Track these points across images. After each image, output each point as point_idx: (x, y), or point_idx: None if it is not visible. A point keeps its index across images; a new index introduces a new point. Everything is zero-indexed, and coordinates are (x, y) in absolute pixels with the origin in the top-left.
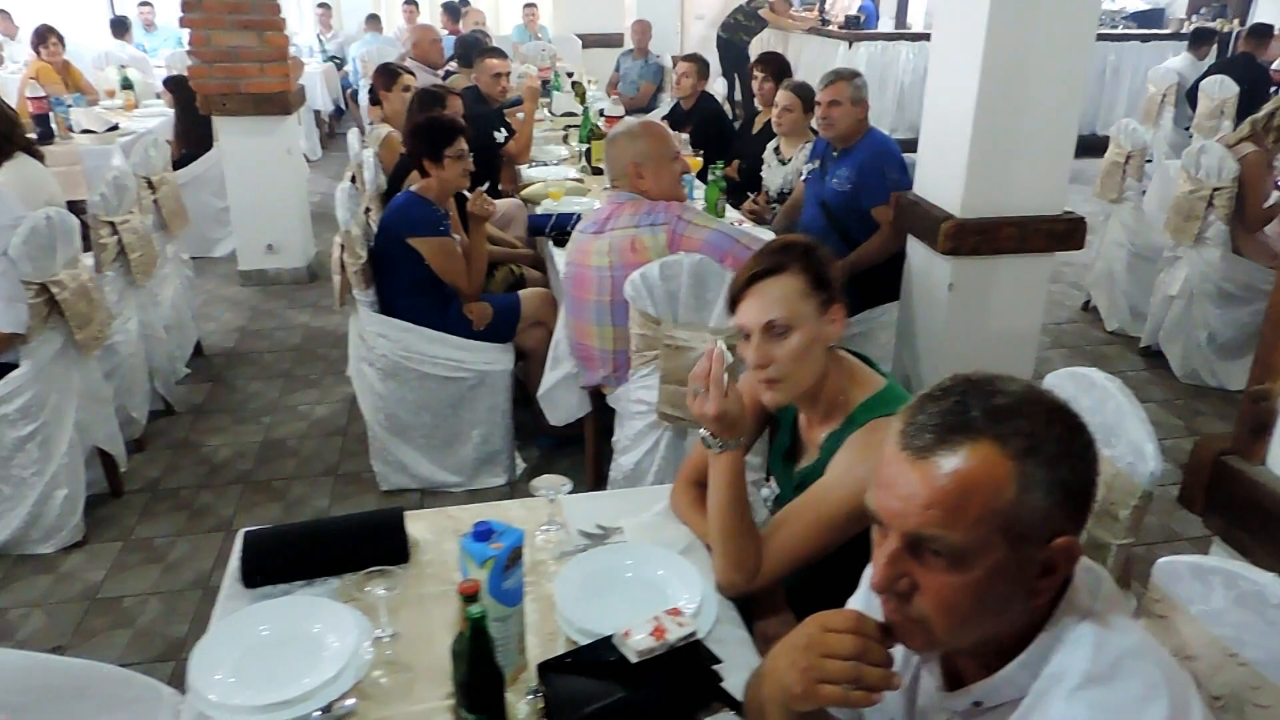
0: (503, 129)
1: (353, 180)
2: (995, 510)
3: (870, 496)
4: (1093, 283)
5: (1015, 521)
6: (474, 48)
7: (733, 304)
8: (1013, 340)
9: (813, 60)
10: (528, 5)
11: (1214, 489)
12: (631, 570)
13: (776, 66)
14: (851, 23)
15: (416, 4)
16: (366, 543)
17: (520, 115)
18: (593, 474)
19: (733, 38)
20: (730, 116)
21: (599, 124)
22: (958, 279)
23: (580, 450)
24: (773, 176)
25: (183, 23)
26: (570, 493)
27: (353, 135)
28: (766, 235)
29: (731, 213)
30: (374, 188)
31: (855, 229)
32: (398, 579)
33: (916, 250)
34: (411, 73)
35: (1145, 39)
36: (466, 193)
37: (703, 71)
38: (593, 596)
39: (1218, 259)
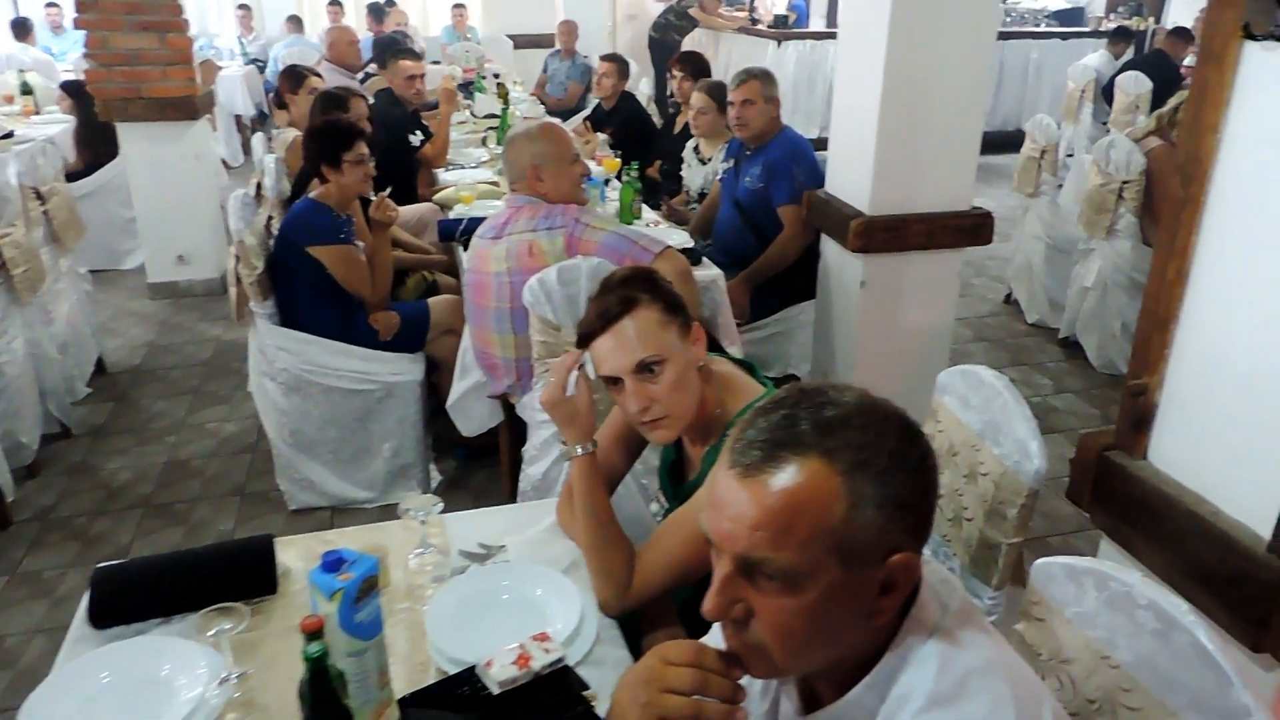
0: (418, 132)
1: (259, 188)
2: (825, 529)
3: (703, 518)
4: (1013, 276)
5: (847, 540)
6: (390, 49)
7: (582, 342)
8: (927, 335)
9: (742, 60)
10: (456, 6)
11: (1099, 485)
12: (509, 592)
13: (695, 66)
14: (780, 22)
15: (340, 4)
16: (230, 574)
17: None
18: (509, 485)
19: (664, 37)
20: (664, 116)
21: (549, 120)
22: (870, 276)
23: (498, 460)
24: (693, 176)
25: (78, 24)
26: (479, 507)
27: (257, 140)
28: (673, 235)
29: (648, 213)
30: (276, 194)
31: (769, 228)
32: (262, 612)
33: (830, 248)
34: (319, 75)
35: (1065, 37)
36: (373, 196)
37: (623, 72)
38: (467, 622)
39: (1129, 250)
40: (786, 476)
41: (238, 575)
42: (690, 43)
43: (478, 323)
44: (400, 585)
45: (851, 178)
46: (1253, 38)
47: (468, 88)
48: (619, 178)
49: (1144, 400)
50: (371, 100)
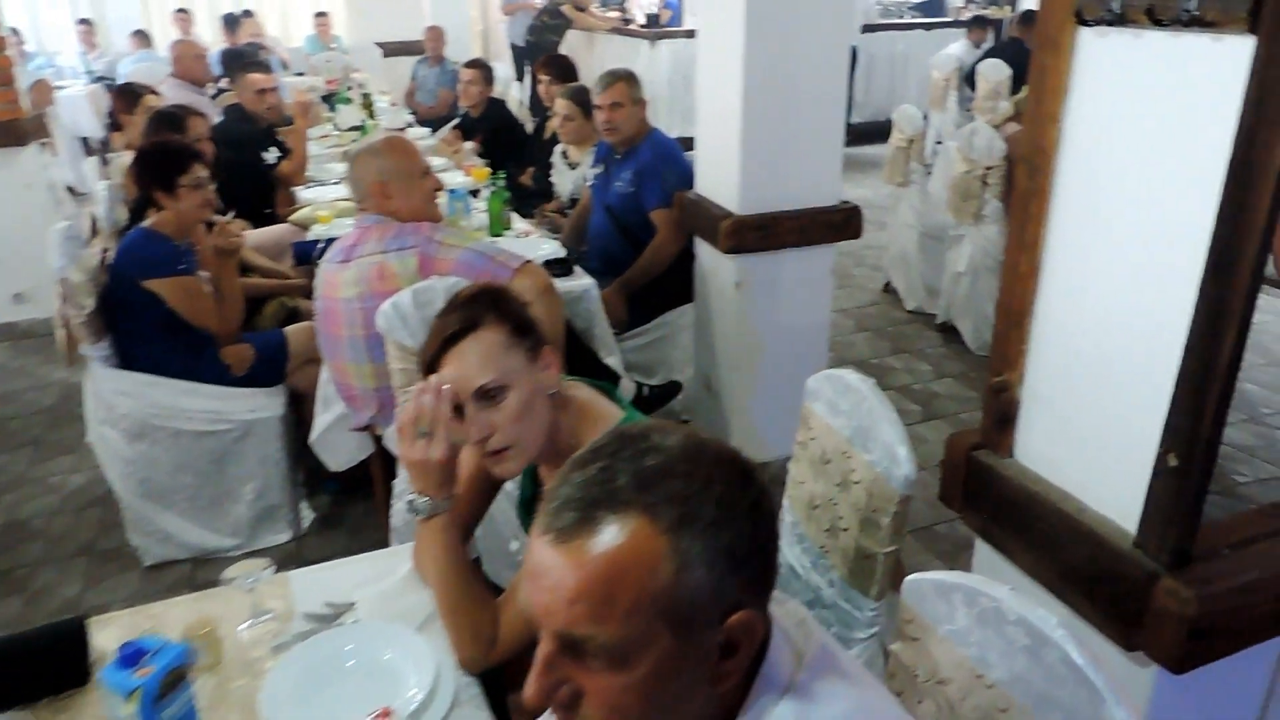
0: (274, 149)
1: (94, 218)
2: (651, 595)
3: (522, 590)
4: (890, 264)
5: (677, 605)
6: (237, 62)
7: (427, 373)
8: (805, 332)
9: (617, 60)
10: (318, 15)
11: (968, 486)
12: (355, 657)
13: (560, 69)
14: (653, 21)
15: (189, 14)
16: (32, 666)
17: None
18: (386, 519)
19: (541, 40)
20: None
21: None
22: (744, 276)
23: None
24: (563, 182)
25: None
26: (354, 543)
27: (89, 166)
28: (545, 245)
29: (520, 223)
30: (110, 224)
31: (643, 233)
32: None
33: (704, 250)
34: (155, 92)
35: (929, 27)
36: (220, 218)
37: (487, 78)
38: (308, 696)
39: (996, 235)
40: (605, 539)
41: (41, 667)
42: (565, 44)
43: (332, 353)
44: (235, 660)
45: (720, 178)
46: (1085, 23)
47: (330, 99)
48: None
49: (1006, 397)
50: (220, 117)
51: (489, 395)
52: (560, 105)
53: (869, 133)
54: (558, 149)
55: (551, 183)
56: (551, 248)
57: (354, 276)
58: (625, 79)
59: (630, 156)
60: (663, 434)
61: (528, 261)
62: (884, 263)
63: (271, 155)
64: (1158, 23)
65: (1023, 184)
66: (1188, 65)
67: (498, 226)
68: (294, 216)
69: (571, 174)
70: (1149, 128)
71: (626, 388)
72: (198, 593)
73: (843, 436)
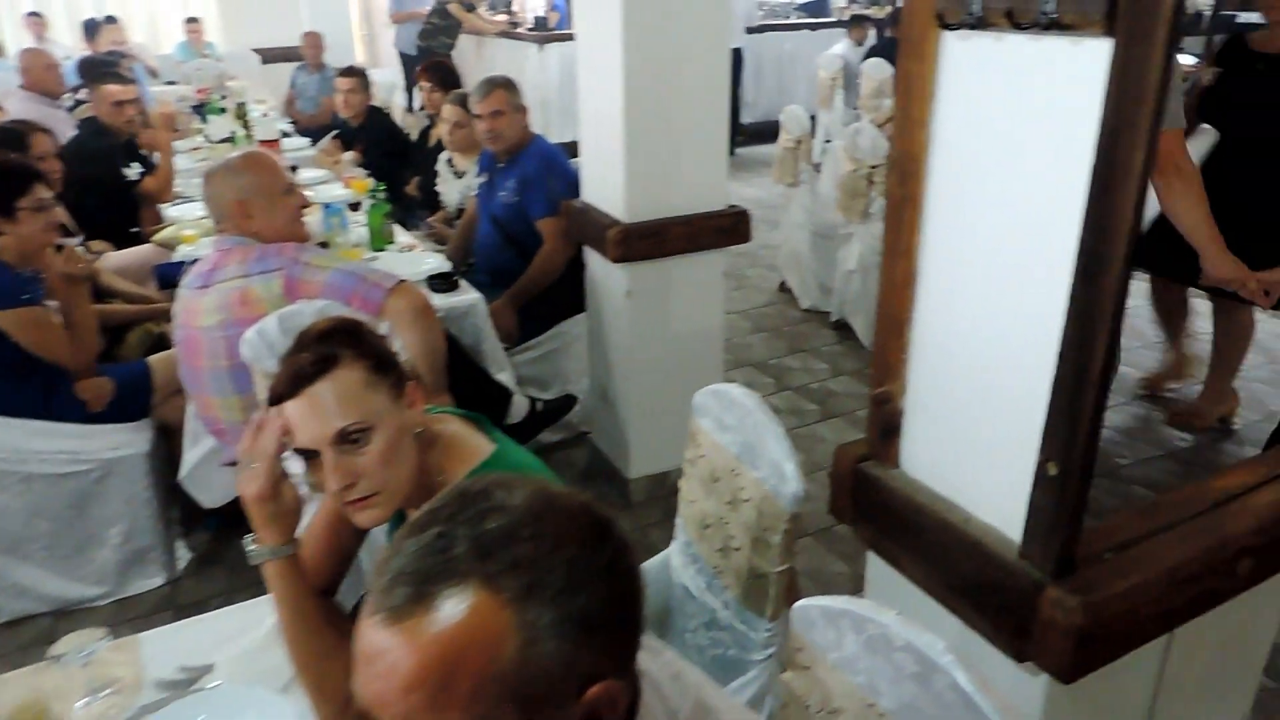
0: (135, 164)
1: None
2: (496, 676)
3: (354, 678)
4: (783, 264)
5: (526, 684)
6: (93, 72)
7: (274, 403)
8: (698, 339)
9: (506, 64)
10: (190, 20)
11: (857, 499)
12: None
13: (442, 75)
14: (540, 24)
15: (42, 18)
16: None
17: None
18: None
19: (432, 44)
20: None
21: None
22: (634, 285)
23: None
24: (449, 191)
25: None
26: (235, 583)
27: None
28: (429, 259)
29: (403, 236)
30: None
31: (530, 243)
32: None
33: (594, 259)
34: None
35: (814, 27)
36: (69, 241)
37: (365, 85)
38: None
39: (884, 232)
40: (442, 617)
41: None
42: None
43: (195, 386)
44: None
45: (605, 186)
46: (948, 27)
47: (201, 109)
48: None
49: (889, 408)
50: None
51: (350, 439)
52: (448, 111)
53: (761, 133)
54: (442, 157)
55: (437, 192)
56: (435, 262)
57: (214, 303)
58: (504, 86)
59: (513, 165)
60: (507, 490)
61: (402, 281)
62: (778, 262)
63: (134, 171)
64: (1017, 26)
65: (895, 191)
66: (1049, 68)
67: (379, 241)
68: (158, 236)
69: (458, 183)
70: (1015, 132)
71: (519, 404)
72: (32, 666)
73: (730, 453)
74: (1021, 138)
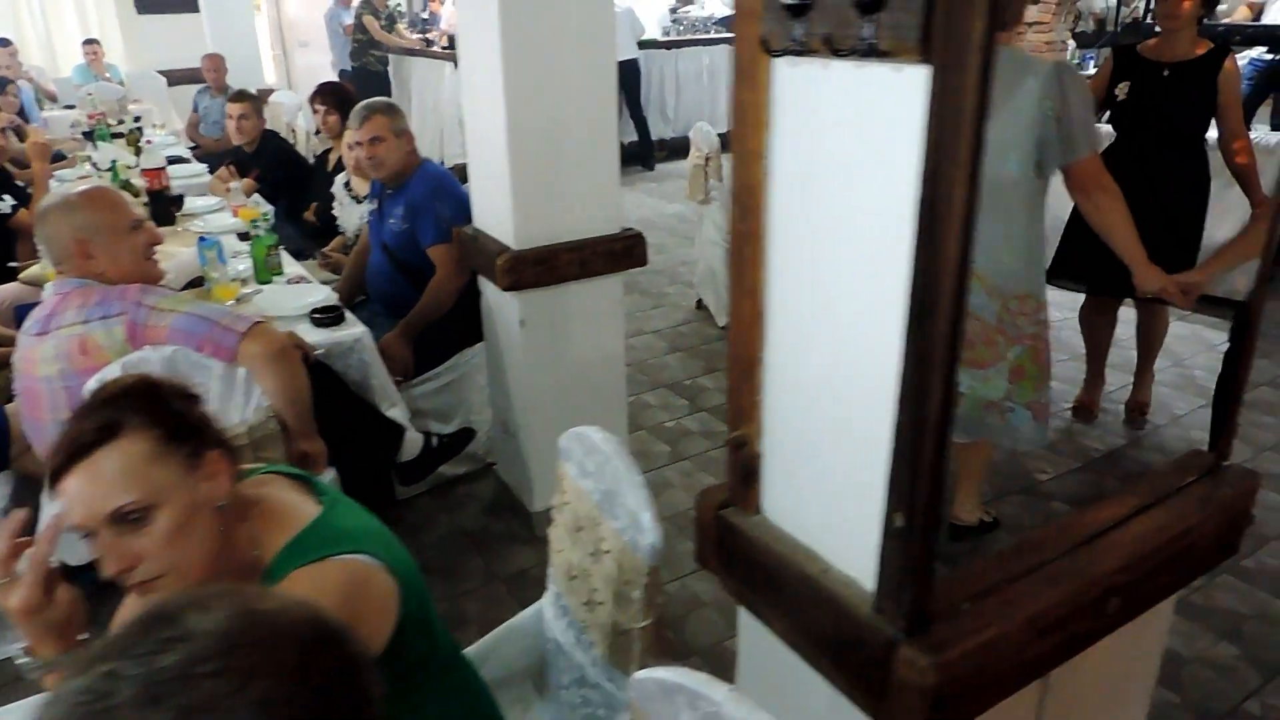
0: (7, 195)
1: None
2: None
3: None
4: (699, 282)
5: None
6: None
7: (52, 481)
8: (599, 365)
9: (422, 82)
10: (88, 42)
11: (721, 547)
12: None
13: (338, 97)
14: (454, 42)
15: None
16: None
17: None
18: None
19: (365, 62)
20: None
21: (132, 178)
22: (527, 314)
23: None
24: (348, 216)
25: None
26: None
27: None
28: (316, 292)
29: (292, 266)
30: None
31: (423, 271)
32: None
33: (488, 287)
34: None
35: (731, 41)
36: None
37: (259, 109)
38: None
39: None
40: None
41: None
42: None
43: (38, 438)
44: None
45: (494, 211)
46: (773, 53)
47: (89, 135)
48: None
49: (745, 452)
50: None
51: (129, 519)
52: (350, 134)
53: (682, 148)
54: (339, 180)
55: (335, 218)
56: (322, 295)
57: (53, 351)
58: (383, 111)
59: (401, 192)
60: (202, 612)
61: (258, 323)
62: (695, 280)
63: (6, 204)
64: (837, 52)
65: (737, 226)
66: (876, 97)
67: (264, 273)
68: (25, 274)
69: (357, 208)
70: (848, 164)
71: (412, 440)
72: None
73: (592, 501)
74: (854, 170)
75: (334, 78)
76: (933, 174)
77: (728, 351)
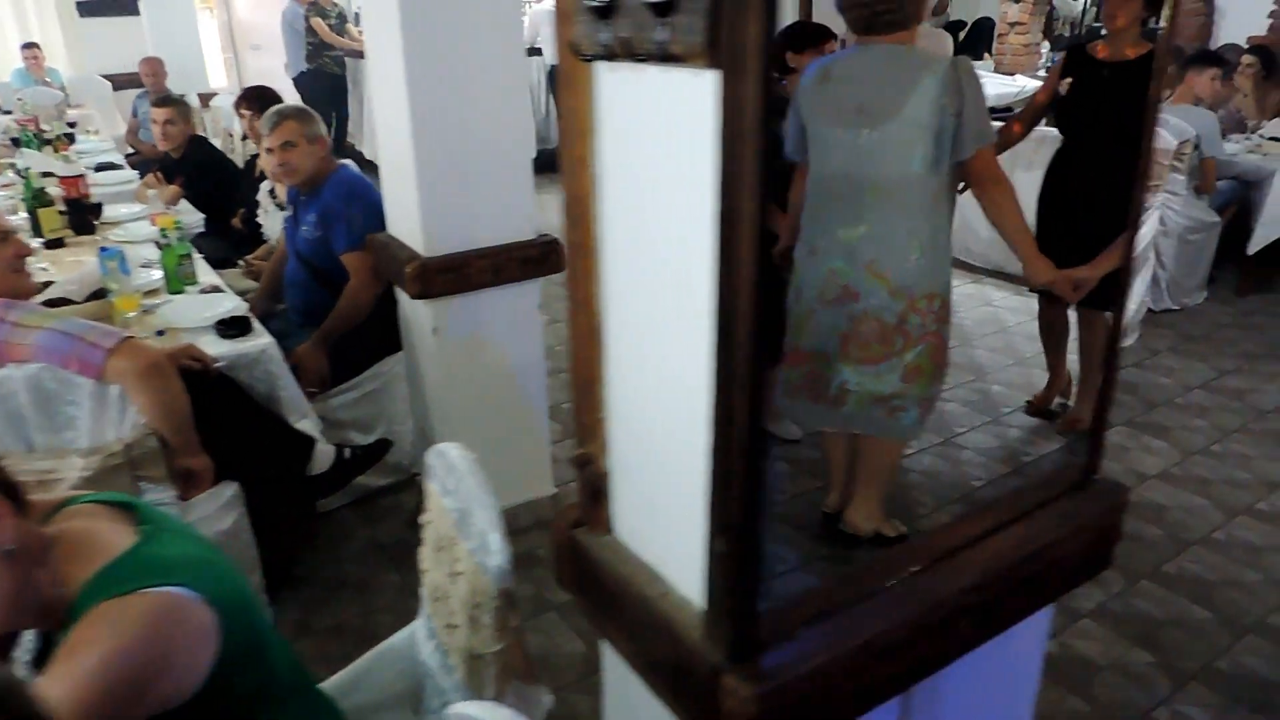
0: None
1: None
2: None
3: None
4: None
5: None
6: None
7: None
8: (518, 373)
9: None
10: (27, 45)
11: (573, 568)
12: None
13: (264, 102)
14: None
15: None
16: None
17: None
18: None
19: (320, 66)
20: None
21: (47, 186)
22: (441, 322)
23: None
24: (272, 223)
25: None
26: None
27: None
28: (225, 304)
29: (209, 275)
30: None
31: (339, 279)
32: None
33: (402, 295)
34: None
35: None
36: None
37: (184, 114)
38: None
39: None
40: None
41: None
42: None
43: None
44: None
45: (404, 217)
46: (582, 57)
47: (15, 142)
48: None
49: (592, 470)
50: None
51: None
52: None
53: None
54: (264, 187)
55: (260, 225)
56: (231, 305)
57: None
58: (294, 117)
59: (315, 197)
60: None
61: (127, 339)
62: None
63: None
64: (635, 56)
65: (570, 237)
66: (680, 102)
67: (176, 283)
68: None
69: (281, 215)
70: (661, 172)
71: (323, 453)
72: None
73: (451, 520)
74: (666, 180)
75: (288, 81)
76: (725, 185)
77: (571, 373)
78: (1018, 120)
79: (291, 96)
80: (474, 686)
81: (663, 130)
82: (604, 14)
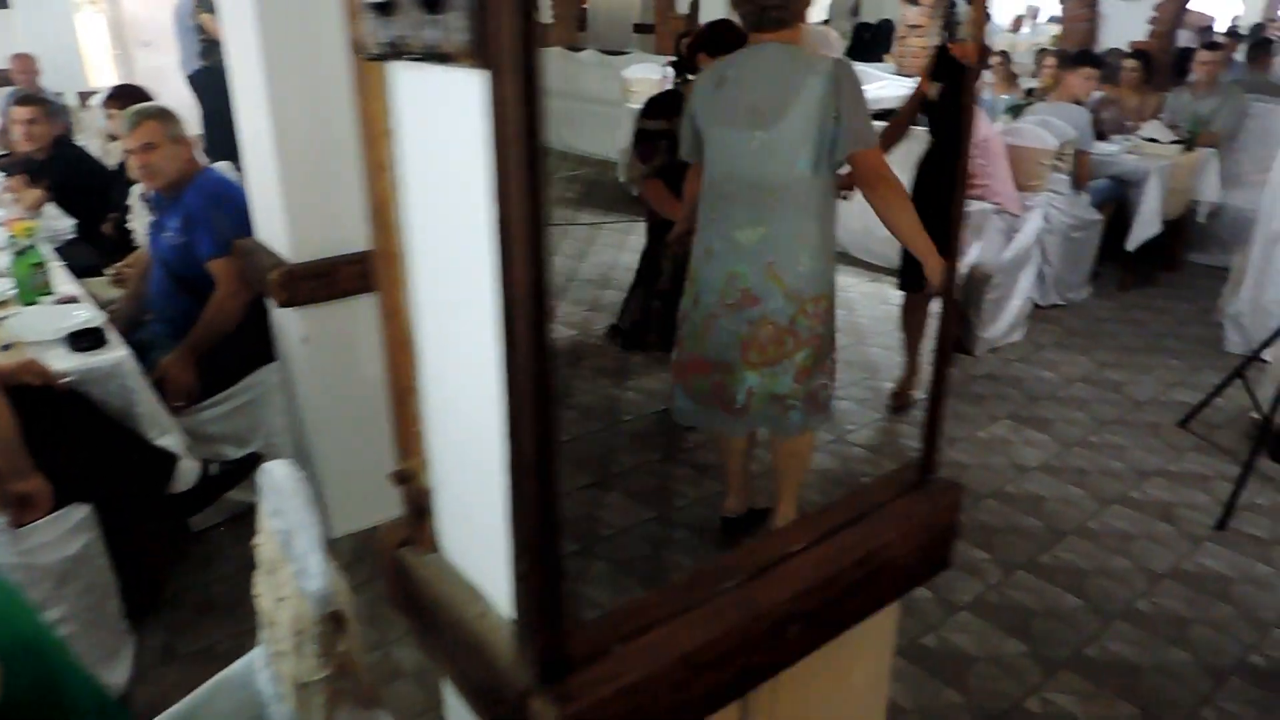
0: None
1: None
2: None
3: None
4: None
5: None
6: None
7: None
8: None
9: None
10: None
11: (399, 588)
12: None
13: (130, 100)
14: None
15: None
16: None
17: None
18: None
19: (218, 65)
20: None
21: None
22: (310, 330)
23: None
24: (143, 229)
25: None
26: None
27: None
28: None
29: (68, 285)
30: None
31: (205, 287)
32: None
33: (272, 304)
34: None
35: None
36: None
37: (50, 113)
38: None
39: None
40: None
41: None
42: None
43: None
44: None
45: (271, 223)
46: (367, 56)
47: None
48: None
49: (413, 486)
50: None
51: None
52: None
53: None
54: (134, 190)
55: (129, 230)
56: (87, 316)
57: None
58: (156, 117)
59: (177, 202)
60: None
61: None
62: None
63: None
64: (410, 56)
65: (375, 243)
66: (460, 104)
67: (28, 294)
68: None
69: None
70: (452, 175)
71: (186, 469)
72: None
73: (278, 542)
74: (456, 182)
75: (179, 79)
76: (500, 192)
77: (389, 385)
78: (897, 121)
79: (184, 96)
80: (303, 716)
81: (449, 133)
82: (384, 11)
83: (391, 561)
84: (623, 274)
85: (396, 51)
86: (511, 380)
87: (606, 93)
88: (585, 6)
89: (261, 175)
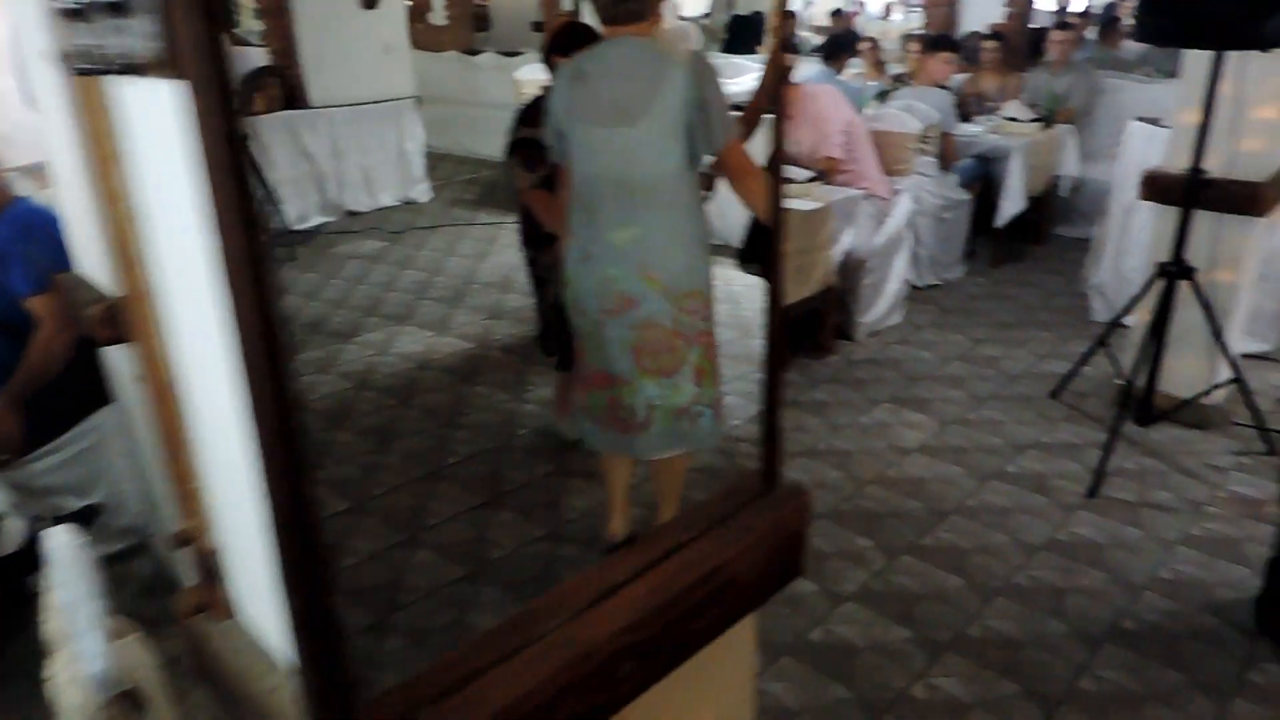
0: None
1: None
2: None
3: None
4: None
5: None
6: None
7: None
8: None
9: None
10: None
11: (196, 660)
12: None
13: None
14: None
15: None
16: None
17: None
18: None
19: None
20: None
21: None
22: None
23: None
24: None
25: None
26: None
27: None
28: None
29: None
30: None
31: (26, 328)
32: None
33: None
34: None
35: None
36: None
37: None
38: None
39: None
40: None
41: None
42: None
43: None
44: None
45: (87, 252)
46: (79, 71)
47: None
48: None
49: (197, 548)
50: None
51: None
52: None
53: None
54: None
55: None
56: None
57: None
58: None
59: None
60: None
61: None
62: None
63: None
64: (108, 68)
65: (122, 285)
66: (166, 118)
67: None
68: None
69: None
70: (176, 199)
71: (12, 528)
72: None
73: (61, 616)
74: (181, 206)
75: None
76: (214, 218)
77: (165, 438)
78: (751, 110)
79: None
80: None
81: (169, 152)
82: (74, 17)
83: (184, 631)
84: (525, 277)
85: (97, 63)
86: (262, 440)
87: (504, 96)
88: (486, 5)
89: (72, 202)
